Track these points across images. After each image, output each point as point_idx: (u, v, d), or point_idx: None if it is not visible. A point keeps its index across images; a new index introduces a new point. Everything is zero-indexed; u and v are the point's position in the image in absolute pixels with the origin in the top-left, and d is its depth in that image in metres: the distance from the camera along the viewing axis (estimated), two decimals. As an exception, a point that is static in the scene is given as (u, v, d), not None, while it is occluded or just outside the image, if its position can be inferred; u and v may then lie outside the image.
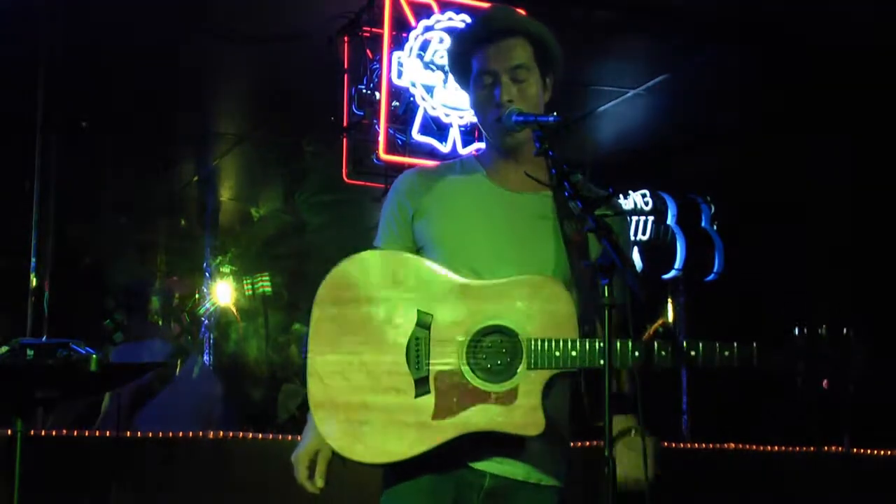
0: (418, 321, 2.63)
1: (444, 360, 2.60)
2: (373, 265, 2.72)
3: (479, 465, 2.68)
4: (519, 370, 2.57)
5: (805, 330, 2.54)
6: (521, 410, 2.56)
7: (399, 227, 2.84)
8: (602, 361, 2.43)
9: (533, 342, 2.57)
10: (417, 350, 2.61)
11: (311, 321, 2.68)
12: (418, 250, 2.81)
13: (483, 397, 2.57)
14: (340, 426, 2.61)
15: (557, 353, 2.56)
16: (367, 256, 2.75)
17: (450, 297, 2.64)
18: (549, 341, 2.56)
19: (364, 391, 2.61)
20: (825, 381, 2.52)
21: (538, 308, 2.61)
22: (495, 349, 2.60)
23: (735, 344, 2.54)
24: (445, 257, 2.72)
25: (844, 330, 2.53)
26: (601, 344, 2.50)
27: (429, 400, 2.58)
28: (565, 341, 2.56)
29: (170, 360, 6.55)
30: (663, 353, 2.54)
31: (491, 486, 2.68)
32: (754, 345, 2.54)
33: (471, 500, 2.69)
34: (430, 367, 2.60)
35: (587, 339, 2.56)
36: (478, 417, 2.57)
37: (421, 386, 2.59)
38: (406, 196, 2.85)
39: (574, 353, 2.55)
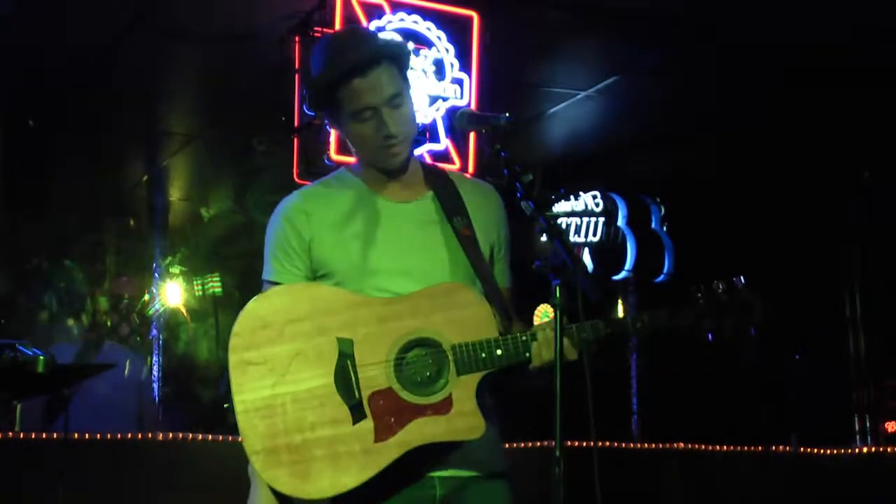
0: (340, 349, 2.58)
1: (374, 382, 2.57)
2: (280, 301, 2.65)
3: (431, 472, 2.66)
4: (449, 378, 2.57)
5: (702, 286, 2.66)
6: (458, 417, 2.56)
7: (297, 257, 2.74)
8: (528, 354, 2.56)
9: (458, 348, 2.58)
10: (345, 377, 2.57)
11: (230, 369, 2.59)
12: (318, 277, 2.74)
13: (420, 411, 2.56)
14: (285, 469, 2.53)
15: (483, 355, 2.57)
16: (273, 294, 2.69)
17: (366, 320, 2.60)
18: (473, 345, 2.57)
19: (301, 429, 2.55)
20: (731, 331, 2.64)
21: (454, 315, 2.61)
22: (421, 362, 2.59)
23: (646, 313, 2.61)
24: (350, 279, 2.69)
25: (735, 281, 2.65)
26: (524, 337, 2.57)
27: (367, 424, 2.55)
28: (489, 341, 2.58)
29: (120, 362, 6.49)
30: (583, 333, 2.57)
31: (443, 494, 2.67)
32: (662, 310, 2.62)
33: None
34: (362, 392, 2.56)
35: (509, 336, 2.59)
36: (418, 432, 2.55)
37: (357, 412, 2.55)
38: (298, 224, 2.75)
39: (499, 352, 2.58)
